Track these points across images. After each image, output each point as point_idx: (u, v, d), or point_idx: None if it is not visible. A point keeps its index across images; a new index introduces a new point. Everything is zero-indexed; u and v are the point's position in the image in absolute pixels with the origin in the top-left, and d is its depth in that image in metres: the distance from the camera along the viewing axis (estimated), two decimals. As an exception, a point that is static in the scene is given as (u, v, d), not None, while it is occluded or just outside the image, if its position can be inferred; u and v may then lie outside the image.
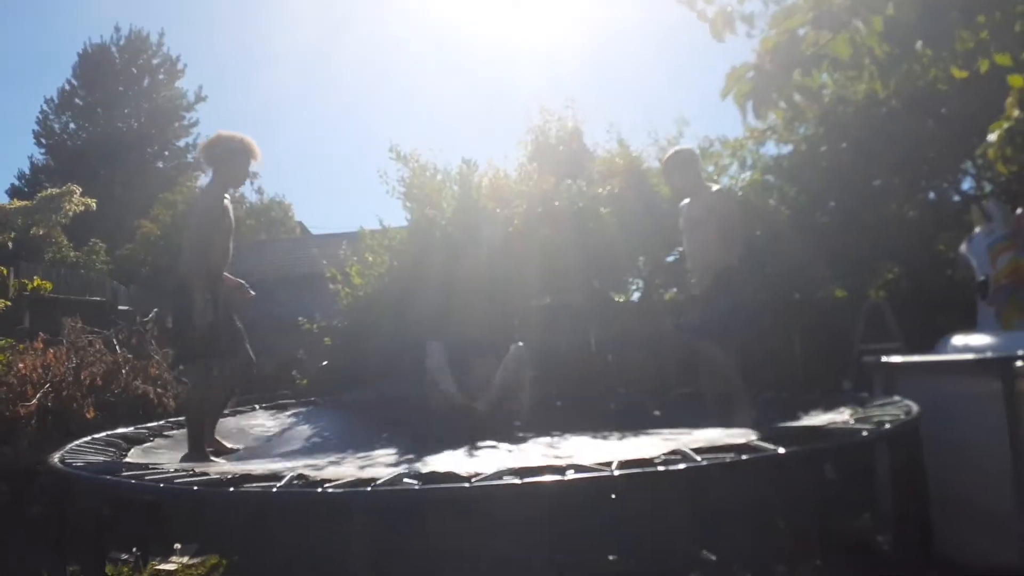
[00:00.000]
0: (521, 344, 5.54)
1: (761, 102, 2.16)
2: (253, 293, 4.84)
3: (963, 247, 6.14)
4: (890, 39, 2.11)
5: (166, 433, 4.91)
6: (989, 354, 4.36)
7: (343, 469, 3.87)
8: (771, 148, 8.44)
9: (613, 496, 3.71)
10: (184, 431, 4.81)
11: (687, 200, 5.23)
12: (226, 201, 4.61)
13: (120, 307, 12.69)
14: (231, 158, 4.55)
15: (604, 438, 4.94)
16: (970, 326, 5.66)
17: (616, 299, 8.70)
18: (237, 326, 4.65)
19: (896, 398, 4.31)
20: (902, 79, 2.23)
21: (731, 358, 4.93)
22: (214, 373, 4.53)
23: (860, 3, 2.01)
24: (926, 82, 2.77)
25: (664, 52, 41.66)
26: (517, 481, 2.96)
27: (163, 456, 4.51)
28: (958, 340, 4.81)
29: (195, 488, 3.39)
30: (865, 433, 3.61)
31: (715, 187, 5.35)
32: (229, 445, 4.71)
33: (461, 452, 4.62)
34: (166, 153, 33.90)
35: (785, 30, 2.09)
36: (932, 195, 8.08)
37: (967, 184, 8.18)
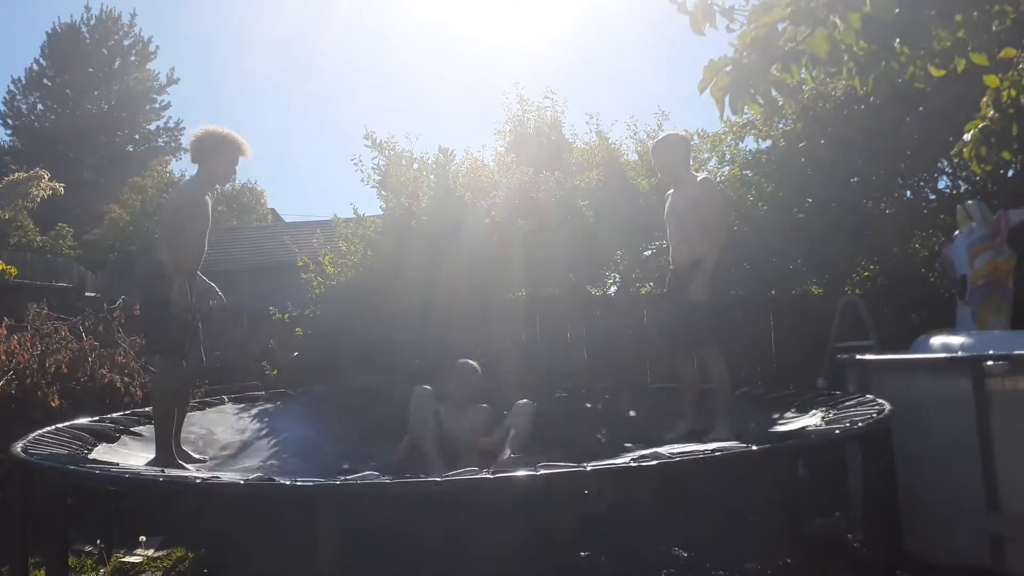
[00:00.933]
0: (526, 402, 5.16)
1: (738, 96, 2.16)
2: (224, 300, 4.83)
3: (946, 247, 6.21)
4: (868, 36, 2.12)
5: (132, 429, 4.86)
6: (961, 353, 4.40)
7: (312, 462, 3.86)
8: (750, 143, 8.48)
9: (586, 492, 3.73)
10: (150, 425, 4.77)
11: (671, 190, 5.21)
12: (206, 197, 4.60)
13: (87, 293, 12.53)
14: (218, 154, 4.52)
15: (578, 435, 4.96)
16: (945, 325, 5.74)
17: (593, 292, 8.71)
18: (196, 326, 4.64)
19: (869, 397, 4.36)
20: (880, 76, 2.25)
21: (723, 360, 4.91)
22: (172, 369, 4.54)
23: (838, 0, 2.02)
24: (904, 80, 2.78)
25: (645, 44, 41.77)
26: (489, 477, 2.96)
27: (130, 449, 4.47)
28: (934, 339, 4.86)
29: (161, 479, 3.37)
30: (837, 432, 3.65)
31: (700, 176, 5.33)
32: (196, 456, 4.65)
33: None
34: (136, 136, 33.51)
35: (763, 25, 2.10)
36: (908, 193, 8.14)
37: (943, 183, 8.26)
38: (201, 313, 4.71)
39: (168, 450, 4.39)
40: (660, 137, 5.45)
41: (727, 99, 2.16)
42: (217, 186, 4.76)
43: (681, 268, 5.03)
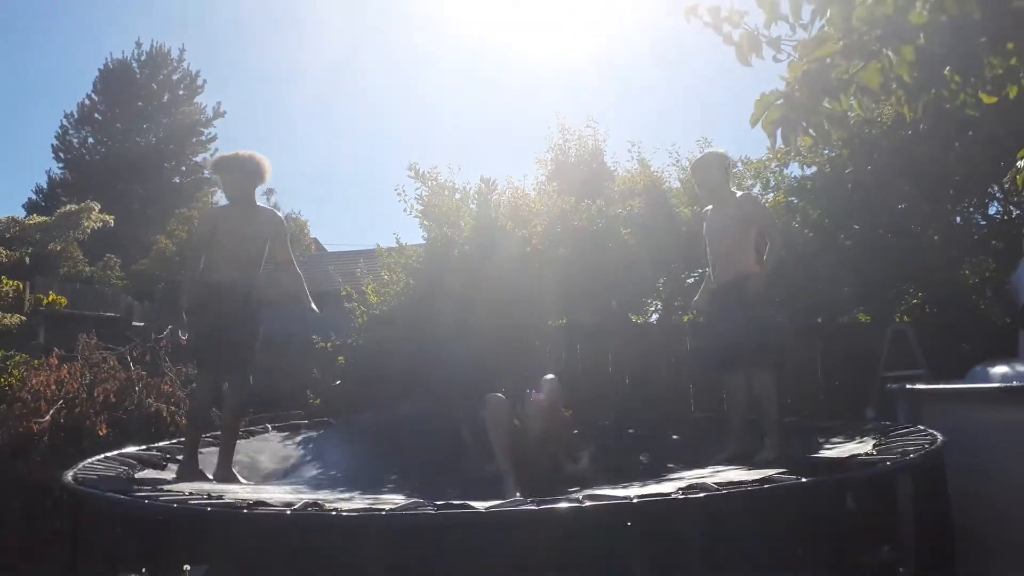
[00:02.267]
0: (552, 376, 5.19)
1: (790, 129, 2.15)
2: (312, 307, 5.03)
3: (1014, 275, 6.08)
4: (918, 65, 2.11)
5: (179, 457, 4.92)
6: (1015, 383, 4.31)
7: (356, 494, 3.87)
8: (795, 169, 8.42)
9: (629, 524, 3.68)
10: (204, 450, 4.84)
11: (710, 207, 5.19)
12: (226, 212, 4.88)
13: (134, 323, 12.76)
14: (230, 175, 4.82)
15: (622, 465, 4.91)
16: (998, 354, 5.60)
17: (635, 320, 8.67)
18: (230, 342, 4.68)
19: (920, 427, 4.27)
20: (930, 103, 2.22)
21: (772, 379, 4.83)
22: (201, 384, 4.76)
23: (892, 33, 2.01)
24: (954, 106, 2.74)
25: (687, 72, 41.73)
26: (534, 508, 2.94)
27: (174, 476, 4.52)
28: (993, 369, 4.76)
29: (208, 509, 3.40)
30: (888, 464, 3.57)
31: (740, 193, 5.30)
32: (241, 479, 4.71)
33: (476, 478, 4.61)
34: (183, 168, 34.16)
35: (815, 59, 2.09)
36: (958, 219, 8.02)
37: (994, 208, 8.12)
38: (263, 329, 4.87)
39: (190, 461, 4.57)
40: (701, 156, 5.45)
41: (779, 132, 2.15)
42: (242, 203, 4.90)
43: (724, 285, 4.98)
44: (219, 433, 4.85)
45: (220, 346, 4.58)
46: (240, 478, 4.70)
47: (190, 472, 4.48)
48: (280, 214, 5.25)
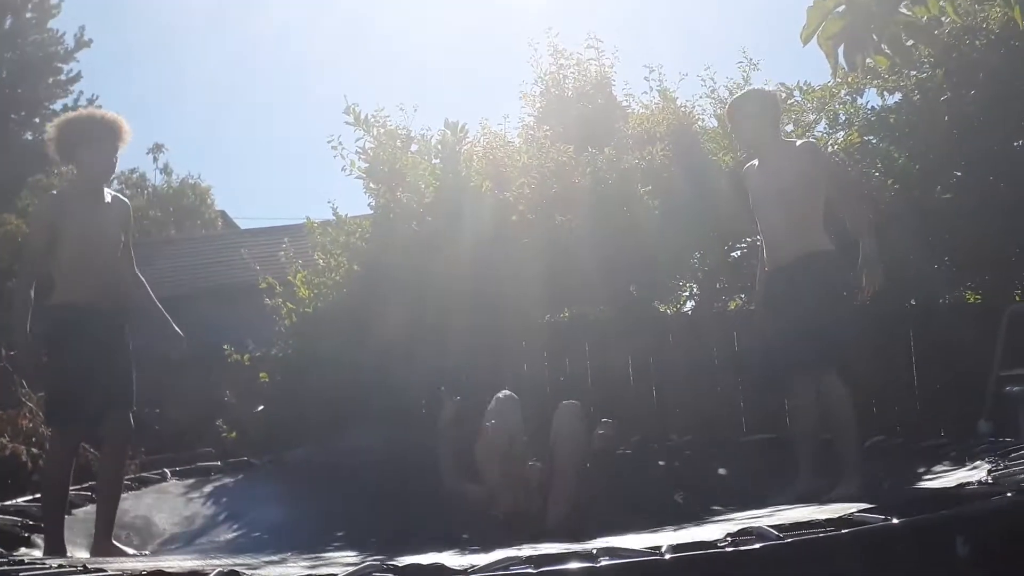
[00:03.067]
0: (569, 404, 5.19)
1: (856, 46, 2.15)
2: (186, 346, 5.02)
3: None
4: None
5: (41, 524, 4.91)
6: None
7: (290, 561, 3.88)
8: (872, 98, 8.45)
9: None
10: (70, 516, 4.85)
11: (756, 162, 5.18)
12: (78, 203, 4.73)
13: (-23, 334, 12.69)
14: (86, 149, 4.71)
15: (650, 507, 4.95)
16: None
17: (662, 310, 8.71)
18: (112, 374, 4.71)
19: (1054, 445, 4.32)
20: (1051, 2, 2.22)
21: (847, 392, 4.86)
22: (60, 442, 4.75)
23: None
24: (1084, 6, 2.77)
25: (723, -30, 41.71)
26: (531, 571, 2.96)
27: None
28: None
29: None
30: (1010, 495, 3.61)
31: (800, 142, 5.30)
32: (130, 551, 4.72)
33: (449, 533, 4.62)
34: (37, 120, 33.76)
35: (888, -53, 2.10)
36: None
37: None
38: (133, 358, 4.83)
39: (55, 535, 4.53)
40: (735, 99, 5.42)
41: (841, 50, 2.15)
42: (103, 185, 4.89)
43: (784, 267, 4.99)
44: (96, 488, 4.87)
45: (91, 389, 4.59)
46: (127, 549, 4.71)
47: (56, 549, 4.48)
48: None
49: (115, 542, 4.70)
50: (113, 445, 4.80)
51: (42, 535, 4.71)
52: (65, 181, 24.57)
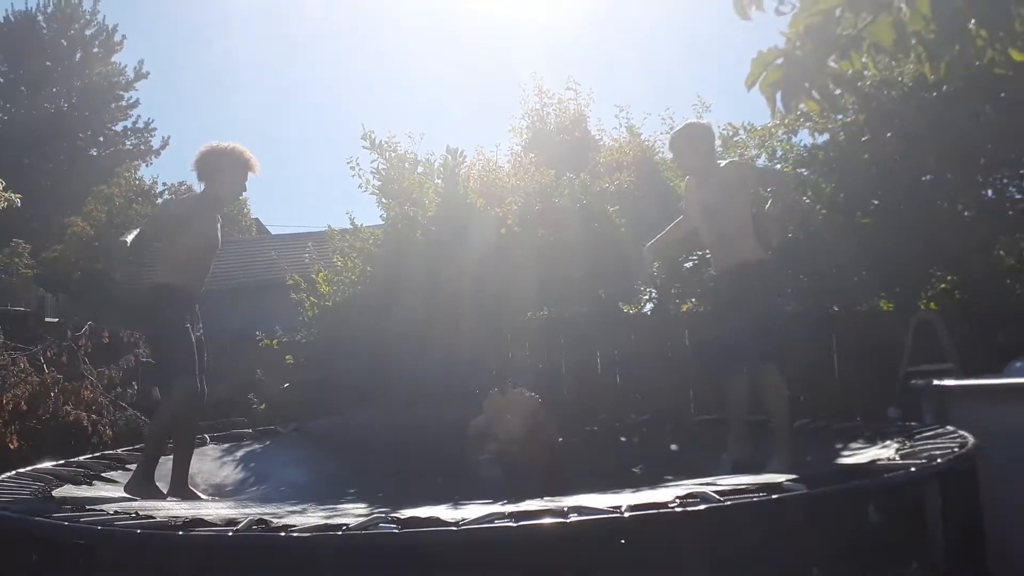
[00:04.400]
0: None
1: (791, 92, 2.18)
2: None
3: None
4: (938, 19, 2.15)
5: (103, 475, 4.92)
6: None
7: (309, 512, 3.88)
8: (805, 137, 8.50)
9: (623, 542, 3.74)
10: (122, 464, 4.86)
11: (693, 180, 5.16)
12: (206, 216, 4.89)
13: (47, 319, 12.65)
14: (221, 172, 4.85)
15: (612, 475, 4.96)
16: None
17: (626, 310, 8.73)
18: (202, 351, 4.84)
19: (949, 428, 4.34)
20: (954, 62, 2.26)
21: (782, 380, 4.87)
22: (184, 390, 4.71)
23: (903, -19, 2.05)
24: (982, 64, 2.77)
25: (682, 27, 41.74)
26: (512, 525, 2.98)
27: (101, 494, 4.52)
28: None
29: (138, 531, 3.41)
30: (913, 470, 3.64)
31: (725, 162, 5.26)
32: (203, 496, 4.79)
33: (445, 493, 4.64)
34: (101, 139, 33.76)
35: (818, 12, 2.12)
36: (990, 192, 8.13)
37: (1030, 180, 8.23)
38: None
39: (146, 478, 4.57)
40: (677, 130, 5.37)
41: (779, 95, 2.18)
42: (225, 205, 5.25)
43: (724, 275, 5.01)
44: (175, 441, 4.88)
45: (192, 353, 4.71)
46: (200, 494, 4.79)
47: (143, 489, 4.51)
48: None
49: (190, 487, 4.80)
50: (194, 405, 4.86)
51: (101, 481, 4.75)
52: (126, 187, 24.49)
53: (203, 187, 4.90)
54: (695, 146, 5.03)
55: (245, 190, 5.04)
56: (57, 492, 4.36)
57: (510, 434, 5.11)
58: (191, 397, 4.71)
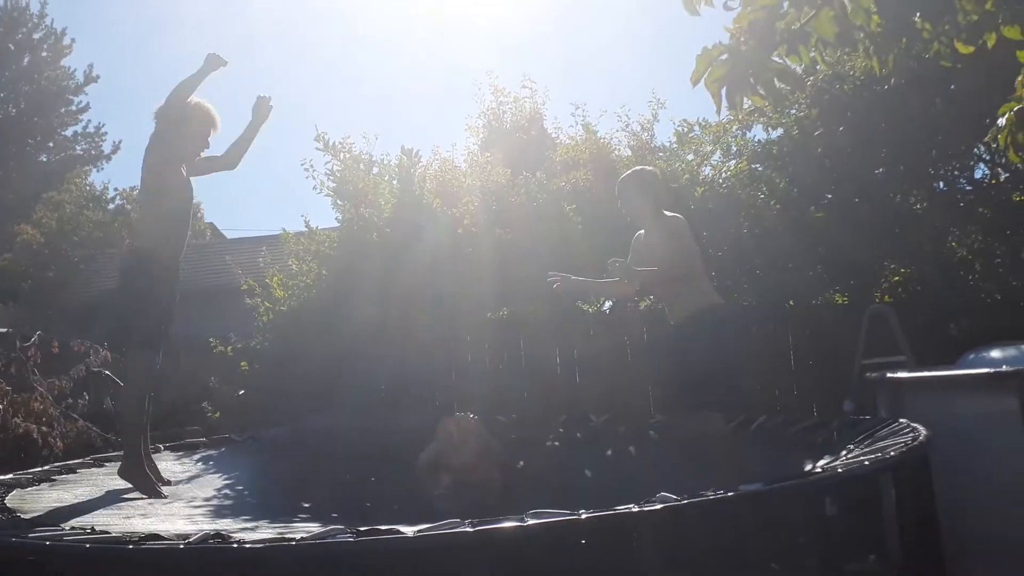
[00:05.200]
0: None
1: (736, 88, 2.18)
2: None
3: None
4: (883, 12, 2.15)
5: (53, 477, 4.83)
6: (1006, 367, 4.45)
7: (263, 523, 3.84)
8: (759, 132, 8.55)
9: (583, 542, 3.73)
10: (74, 475, 4.77)
11: (642, 231, 5.13)
12: (183, 172, 4.83)
13: (-4, 329, 12.43)
14: (184, 124, 4.74)
15: (570, 476, 4.97)
16: (990, 335, 5.77)
17: (585, 309, 8.73)
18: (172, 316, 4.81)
19: (902, 421, 4.38)
20: (901, 55, 2.27)
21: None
22: (149, 363, 4.67)
23: (845, -25, 2.05)
24: (929, 57, 2.80)
25: (636, 25, 41.88)
26: (468, 530, 2.95)
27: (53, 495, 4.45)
28: (989, 354, 4.90)
29: (87, 546, 3.34)
30: (867, 463, 3.66)
31: (671, 215, 5.23)
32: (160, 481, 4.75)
33: (402, 501, 4.61)
34: (51, 144, 33.17)
35: (762, 7, 2.12)
36: (941, 185, 8.23)
37: (980, 171, 8.35)
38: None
39: (138, 459, 4.57)
40: (623, 177, 5.29)
41: (724, 91, 2.18)
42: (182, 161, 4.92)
43: (677, 325, 4.94)
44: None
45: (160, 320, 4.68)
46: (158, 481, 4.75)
47: (136, 472, 4.54)
48: None
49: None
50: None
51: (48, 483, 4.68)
52: (77, 193, 24.13)
53: (161, 136, 4.76)
54: (633, 195, 5.01)
55: (208, 146, 4.93)
56: (9, 499, 4.28)
57: (461, 461, 5.10)
58: (151, 373, 4.68)
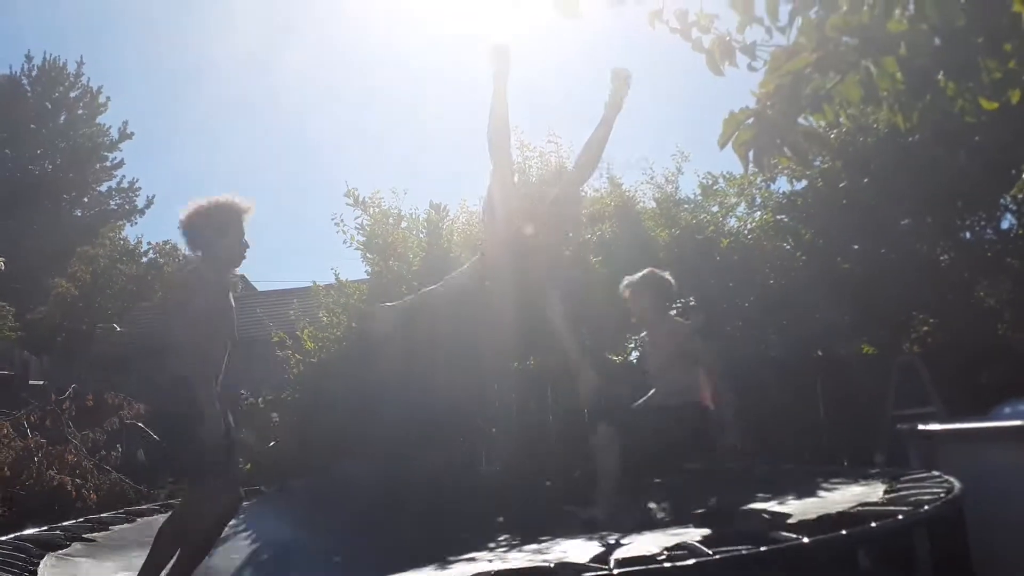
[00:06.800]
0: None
1: (763, 150, 2.20)
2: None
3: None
4: (907, 74, 2.18)
5: (85, 536, 4.83)
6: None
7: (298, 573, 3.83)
8: (783, 184, 8.56)
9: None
10: (108, 532, 4.76)
11: (646, 332, 5.32)
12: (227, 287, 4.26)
13: (31, 382, 12.57)
14: (221, 232, 4.07)
15: (601, 528, 4.92)
16: (1019, 384, 5.72)
17: (613, 359, 8.71)
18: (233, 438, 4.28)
19: (935, 473, 4.34)
20: (926, 109, 2.29)
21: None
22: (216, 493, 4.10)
23: (869, 44, 2.07)
24: (954, 112, 2.82)
25: (660, 81, 42.04)
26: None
27: (83, 568, 4.43)
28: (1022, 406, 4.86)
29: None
30: (901, 517, 3.63)
31: (680, 322, 5.39)
32: None
33: (434, 555, 4.59)
34: (85, 200, 33.72)
35: (787, 72, 2.15)
36: (968, 235, 8.20)
37: (1007, 222, 8.31)
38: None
39: None
40: (635, 280, 5.42)
41: (751, 154, 2.20)
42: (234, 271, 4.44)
43: (659, 407, 5.09)
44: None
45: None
46: None
47: None
48: None
49: None
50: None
51: (81, 543, 4.60)
52: (111, 247, 24.38)
53: (199, 255, 4.16)
54: (648, 301, 5.22)
55: (248, 245, 4.17)
56: (42, 563, 4.27)
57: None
58: (233, 506, 4.19)
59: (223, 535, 5.40)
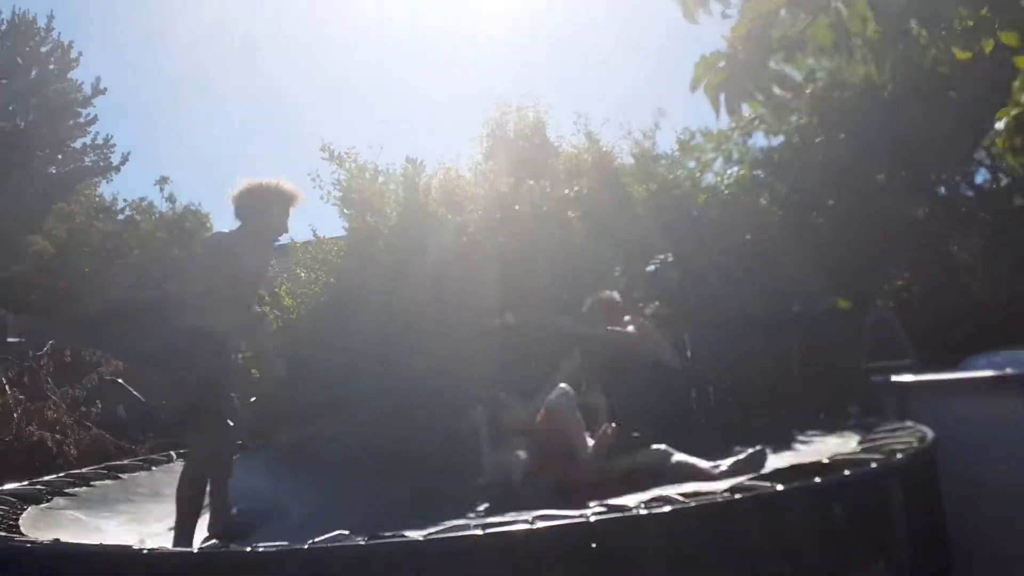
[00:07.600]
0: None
1: (735, 95, 2.20)
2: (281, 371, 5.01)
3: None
4: (880, 20, 2.17)
5: (67, 491, 4.83)
6: (1010, 370, 4.45)
7: (278, 529, 3.85)
8: (760, 140, 8.56)
9: (593, 546, 3.74)
10: (89, 488, 4.77)
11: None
12: (248, 250, 4.54)
13: (8, 339, 12.48)
14: (264, 212, 4.54)
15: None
16: (991, 339, 5.79)
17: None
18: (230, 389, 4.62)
19: (909, 423, 4.39)
20: (899, 62, 2.28)
21: None
22: (224, 427, 4.48)
23: (840, -19, 2.07)
24: (927, 64, 2.81)
25: (637, 34, 41.74)
26: (479, 533, 2.97)
27: (65, 520, 4.45)
28: (993, 358, 4.92)
29: (99, 551, 3.36)
30: (875, 465, 3.67)
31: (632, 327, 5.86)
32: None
33: (414, 503, 4.62)
34: (59, 156, 33.25)
35: (759, 15, 2.15)
36: (943, 190, 8.24)
37: (981, 176, 8.36)
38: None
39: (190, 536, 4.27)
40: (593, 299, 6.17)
41: (722, 98, 2.20)
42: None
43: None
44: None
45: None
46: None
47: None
48: None
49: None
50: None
51: (64, 497, 4.64)
52: (87, 204, 24.14)
53: (240, 225, 4.54)
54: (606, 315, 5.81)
55: (287, 230, 4.70)
56: (24, 515, 4.28)
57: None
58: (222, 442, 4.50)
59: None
